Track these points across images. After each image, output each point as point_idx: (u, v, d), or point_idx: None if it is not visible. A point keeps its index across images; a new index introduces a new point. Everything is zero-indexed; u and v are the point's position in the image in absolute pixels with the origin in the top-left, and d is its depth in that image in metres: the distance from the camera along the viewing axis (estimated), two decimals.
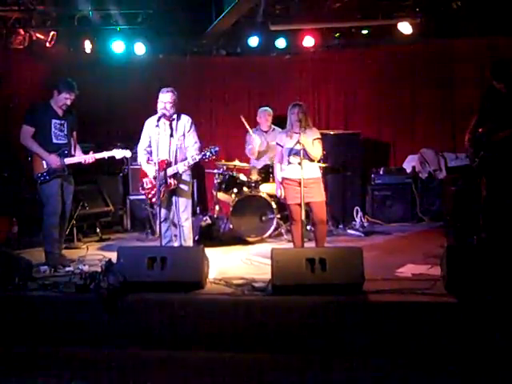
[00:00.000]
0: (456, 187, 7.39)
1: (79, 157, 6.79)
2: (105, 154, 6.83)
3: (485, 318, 4.93)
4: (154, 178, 6.57)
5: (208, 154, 6.48)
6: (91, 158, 6.76)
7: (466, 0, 8.12)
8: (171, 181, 6.55)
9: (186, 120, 6.72)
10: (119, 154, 6.90)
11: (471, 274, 5.18)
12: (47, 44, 8.62)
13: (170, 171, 6.53)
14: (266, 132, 8.73)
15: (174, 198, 6.70)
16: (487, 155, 6.38)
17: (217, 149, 6.50)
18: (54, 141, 6.62)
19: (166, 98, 6.57)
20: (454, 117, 9.57)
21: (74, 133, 6.87)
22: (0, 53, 8.91)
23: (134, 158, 7.21)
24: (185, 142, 6.67)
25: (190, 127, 6.70)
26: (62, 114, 6.68)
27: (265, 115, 8.72)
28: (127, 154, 6.92)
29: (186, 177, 6.72)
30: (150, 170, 6.72)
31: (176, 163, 6.60)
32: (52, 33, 8.54)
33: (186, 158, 6.62)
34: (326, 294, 5.24)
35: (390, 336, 5.00)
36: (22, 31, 8.45)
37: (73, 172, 6.80)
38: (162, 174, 6.45)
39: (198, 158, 6.52)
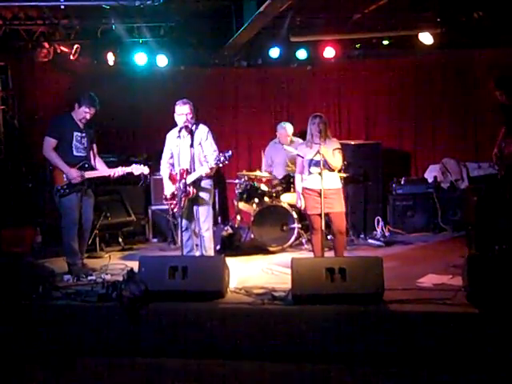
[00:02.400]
0: (478, 197, 7.33)
1: (99, 171, 6.89)
2: (124, 170, 6.89)
3: (507, 328, 4.90)
4: (175, 188, 6.65)
5: (222, 158, 6.51)
6: (110, 173, 6.86)
7: (488, 10, 8.07)
8: (190, 189, 6.60)
9: (203, 129, 6.78)
10: (137, 170, 6.94)
11: (493, 284, 5.16)
12: (71, 57, 8.74)
13: (189, 179, 6.58)
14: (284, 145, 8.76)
15: (194, 208, 6.76)
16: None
17: (230, 153, 6.52)
18: (75, 153, 6.72)
19: (185, 110, 6.65)
20: (476, 126, 9.54)
21: (94, 145, 6.96)
22: (25, 66, 9.11)
23: (157, 168, 7.26)
24: (203, 150, 6.73)
25: (207, 136, 6.76)
26: (83, 127, 6.78)
27: (283, 132, 8.72)
28: (145, 170, 6.96)
29: (206, 185, 6.78)
30: (169, 187, 6.79)
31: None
32: (76, 46, 8.66)
33: None
34: (346, 303, 5.26)
35: (410, 346, 4.98)
36: (46, 45, 8.59)
37: (93, 184, 6.90)
38: (183, 183, 6.51)
39: (212, 163, 6.54)
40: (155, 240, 8.98)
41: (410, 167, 9.95)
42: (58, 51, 8.77)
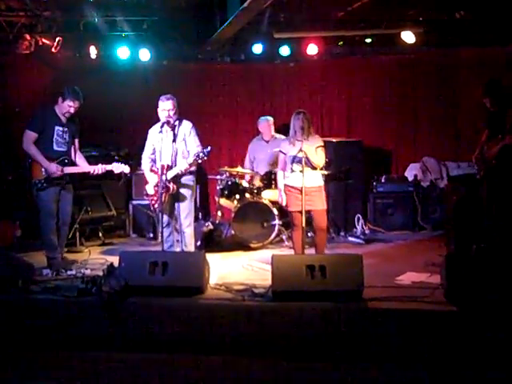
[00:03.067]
0: (457, 196, 7.40)
1: (79, 167, 6.83)
2: (104, 168, 6.83)
3: (483, 326, 4.96)
4: (156, 183, 6.65)
5: (201, 154, 6.49)
6: (90, 170, 6.81)
7: (469, 9, 8.15)
8: (170, 185, 6.59)
9: (186, 125, 6.78)
10: (118, 168, 6.89)
11: (470, 282, 5.22)
12: (53, 49, 8.67)
13: (170, 174, 6.57)
14: (267, 142, 8.77)
15: (176, 204, 6.76)
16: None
17: (209, 149, 6.51)
18: (55, 148, 6.66)
19: (167, 106, 6.64)
20: (457, 126, 9.61)
21: (76, 140, 6.89)
22: (7, 58, 8.99)
23: (138, 163, 7.24)
24: (187, 146, 6.72)
25: (191, 132, 6.75)
26: (65, 121, 6.73)
27: (265, 125, 8.75)
28: (126, 169, 6.92)
29: (188, 181, 6.77)
30: (152, 179, 6.78)
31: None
32: (58, 38, 8.59)
33: None
34: (326, 300, 5.27)
35: (389, 343, 5.03)
36: (28, 36, 8.51)
37: (75, 179, 6.86)
38: (164, 178, 6.50)
39: (191, 160, 6.53)
40: (135, 235, 8.96)
41: (390, 165, 10.01)
42: (40, 43, 8.68)
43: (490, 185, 6.68)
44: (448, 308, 5.15)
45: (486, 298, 5.10)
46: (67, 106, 6.64)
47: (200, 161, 6.60)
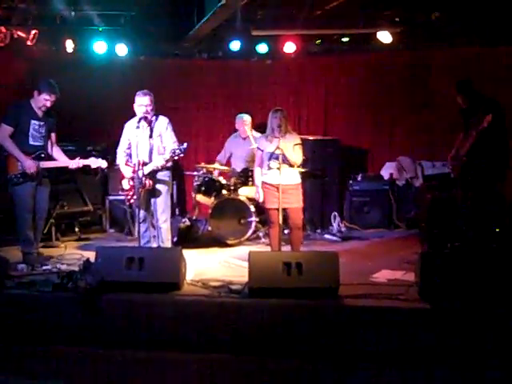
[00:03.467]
0: (432, 195, 7.49)
1: (55, 162, 6.77)
2: (80, 163, 6.77)
3: (456, 323, 5.03)
4: (132, 178, 6.63)
5: (177, 151, 6.49)
6: (68, 164, 6.76)
7: (445, 11, 8.23)
8: (147, 181, 6.58)
9: (163, 120, 6.77)
10: (95, 163, 6.84)
11: (444, 280, 5.29)
12: (28, 42, 8.53)
13: (146, 170, 6.55)
14: (244, 139, 8.78)
15: (152, 199, 6.74)
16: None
17: (185, 146, 6.52)
18: (31, 142, 6.59)
19: (145, 101, 6.61)
20: (432, 126, 9.68)
21: (53, 134, 6.83)
22: None
23: (115, 158, 7.20)
24: (163, 142, 6.71)
25: (167, 127, 6.75)
26: (42, 116, 6.66)
27: (241, 122, 8.75)
28: (103, 164, 6.87)
29: (164, 177, 6.76)
30: (127, 171, 6.77)
31: None
32: (33, 31, 8.46)
33: None
34: (302, 297, 5.31)
35: (363, 340, 5.08)
36: (2, 29, 8.36)
37: (52, 173, 6.80)
38: (140, 174, 6.48)
39: (167, 156, 6.53)
40: (112, 230, 8.92)
41: (366, 164, 10.06)
42: (15, 36, 8.55)
43: (463, 183, 6.79)
44: (422, 305, 5.22)
45: (459, 296, 5.18)
46: (43, 100, 6.57)
47: (176, 157, 6.59)
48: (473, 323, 5.01)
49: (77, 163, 6.76)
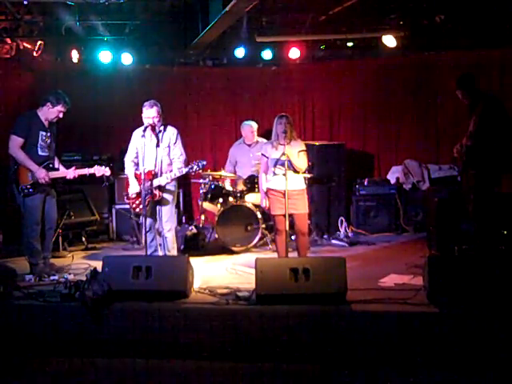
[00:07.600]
0: (439, 198, 7.46)
1: (62, 171, 6.81)
2: (85, 171, 6.81)
3: (465, 327, 5.01)
4: (137, 192, 6.65)
5: (195, 167, 6.56)
6: (73, 173, 6.78)
7: (450, 14, 8.22)
8: (156, 192, 6.61)
9: (172, 132, 6.78)
10: (99, 171, 6.87)
11: (452, 284, 5.27)
12: (34, 53, 8.60)
13: (155, 183, 6.58)
14: (249, 145, 8.78)
15: (157, 208, 6.76)
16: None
17: (204, 163, 6.58)
18: (40, 153, 6.63)
19: (152, 113, 6.63)
20: (438, 129, 9.68)
21: (53, 145, 6.86)
22: None
23: (121, 167, 7.21)
24: (170, 153, 6.73)
25: (176, 139, 6.76)
26: (48, 126, 6.69)
27: (248, 129, 8.76)
28: (107, 172, 6.89)
29: (170, 186, 6.78)
30: (135, 186, 6.77)
31: (161, 173, 6.66)
32: (39, 42, 8.52)
33: (171, 170, 6.68)
34: (310, 303, 5.30)
35: (372, 345, 5.06)
36: (8, 40, 8.43)
37: (60, 184, 6.83)
38: (148, 184, 6.49)
39: (184, 171, 6.61)
40: (119, 239, 8.91)
41: (373, 168, 10.05)
42: (21, 47, 8.61)
43: (465, 181, 6.71)
44: (430, 309, 5.20)
45: (468, 299, 5.16)
46: (57, 112, 6.62)
47: (193, 173, 6.63)
48: (482, 327, 4.97)
49: (73, 173, 6.78)
